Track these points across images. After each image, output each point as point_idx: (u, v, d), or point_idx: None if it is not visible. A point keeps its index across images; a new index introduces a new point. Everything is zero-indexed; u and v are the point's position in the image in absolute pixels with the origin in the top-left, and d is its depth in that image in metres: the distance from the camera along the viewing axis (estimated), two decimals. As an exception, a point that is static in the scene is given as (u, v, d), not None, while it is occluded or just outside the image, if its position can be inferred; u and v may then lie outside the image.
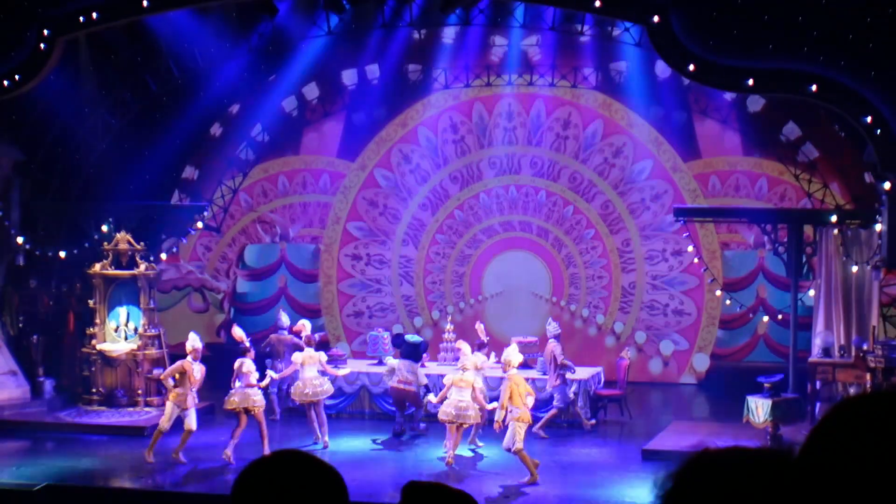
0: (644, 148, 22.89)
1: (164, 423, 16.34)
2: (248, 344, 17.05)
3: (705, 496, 2.00)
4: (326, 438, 17.44)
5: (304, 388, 17.47)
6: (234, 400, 16.56)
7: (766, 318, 22.03)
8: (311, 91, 23.38)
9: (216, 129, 23.16)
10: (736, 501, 1.98)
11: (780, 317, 21.47)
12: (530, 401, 15.63)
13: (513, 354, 15.90)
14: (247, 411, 16.51)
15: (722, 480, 2.00)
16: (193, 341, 16.65)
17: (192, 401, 16.34)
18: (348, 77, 23.25)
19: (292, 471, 2.68)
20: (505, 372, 15.78)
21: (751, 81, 17.07)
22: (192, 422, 16.32)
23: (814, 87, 16.72)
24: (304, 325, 18.62)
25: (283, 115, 23.40)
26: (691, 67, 17.14)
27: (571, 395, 18.36)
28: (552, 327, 18.89)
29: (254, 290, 24.92)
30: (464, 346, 17.17)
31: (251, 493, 2.65)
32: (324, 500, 2.67)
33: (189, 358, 16.41)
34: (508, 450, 15.19)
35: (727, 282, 22.48)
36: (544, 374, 18.92)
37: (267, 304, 24.51)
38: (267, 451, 15.91)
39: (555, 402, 18.16)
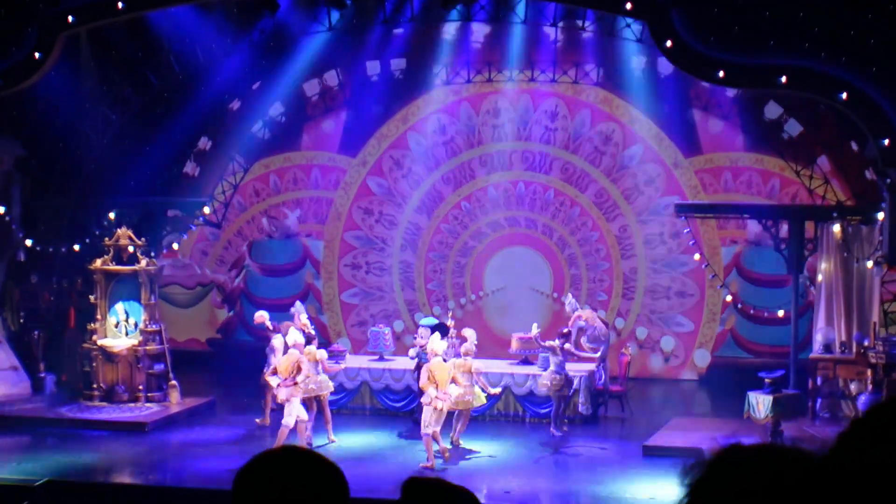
0: (647, 145, 22.89)
1: (303, 414, 16.59)
2: (312, 332, 17.68)
3: (735, 492, 2.00)
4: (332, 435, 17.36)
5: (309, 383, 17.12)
6: (311, 388, 16.94)
7: (780, 313, 21.99)
8: (312, 87, 23.37)
9: (217, 125, 23.16)
10: (766, 499, 1.99)
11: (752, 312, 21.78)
12: (453, 389, 16.20)
13: (436, 343, 16.60)
14: (317, 397, 17.16)
15: (753, 477, 2.01)
16: (296, 336, 17.04)
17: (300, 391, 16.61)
18: (349, 73, 23.24)
19: (292, 466, 2.67)
20: (429, 360, 16.54)
21: (721, 73, 17.09)
22: (291, 418, 16.42)
23: (784, 79, 16.77)
24: (263, 317, 18.64)
25: (284, 110, 23.40)
26: (668, 43, 17.12)
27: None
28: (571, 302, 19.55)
29: (271, 286, 24.74)
30: (469, 334, 17.59)
31: (252, 490, 2.65)
32: (324, 495, 2.67)
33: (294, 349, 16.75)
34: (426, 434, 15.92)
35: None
36: (544, 369, 18.92)
37: (292, 302, 24.46)
38: (332, 435, 17.09)
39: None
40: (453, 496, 3.12)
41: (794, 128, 20.94)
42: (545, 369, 18.91)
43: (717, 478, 2.04)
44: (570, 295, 20.08)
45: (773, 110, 21.00)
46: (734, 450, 2.07)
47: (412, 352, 18.63)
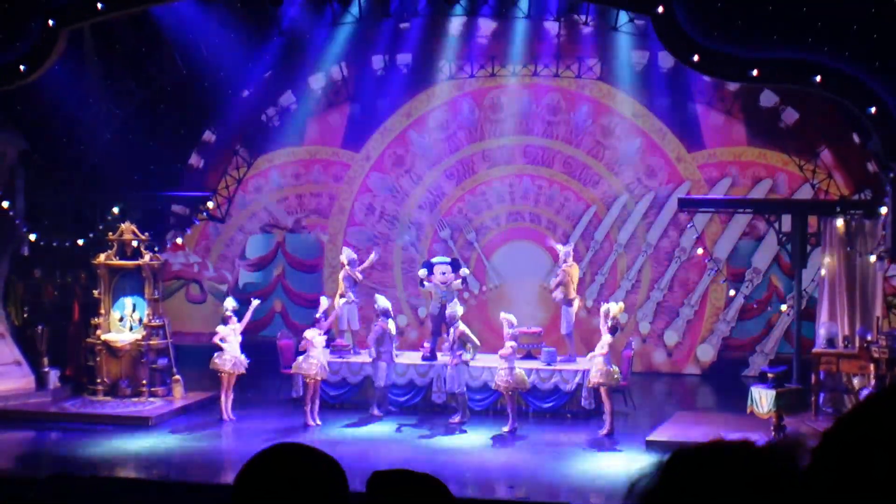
0: (648, 138, 22.91)
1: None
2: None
3: (689, 498, 1.92)
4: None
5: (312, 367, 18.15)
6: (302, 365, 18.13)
7: (784, 308, 21.95)
8: (317, 82, 23.37)
9: (219, 121, 23.17)
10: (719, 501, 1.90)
11: (783, 308, 21.63)
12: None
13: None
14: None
15: (706, 481, 1.92)
16: (383, 302, 18.80)
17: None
18: (354, 68, 23.25)
19: (293, 462, 2.70)
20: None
21: (755, 72, 17.07)
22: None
23: (818, 78, 16.73)
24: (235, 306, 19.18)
25: (288, 105, 23.41)
26: (696, 58, 17.14)
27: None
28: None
29: (255, 280, 24.90)
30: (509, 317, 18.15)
31: (253, 485, 2.67)
32: (324, 490, 2.69)
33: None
34: None
35: (736, 272, 22.64)
36: (548, 364, 18.94)
37: (263, 294, 24.54)
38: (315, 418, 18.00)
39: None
40: (419, 484, 3.13)
41: (795, 122, 20.95)
42: (549, 364, 18.95)
43: (669, 486, 1.94)
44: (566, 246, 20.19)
45: (774, 104, 21.00)
46: (681, 455, 1.98)
47: (429, 286, 19.61)
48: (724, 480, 1.91)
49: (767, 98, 21.12)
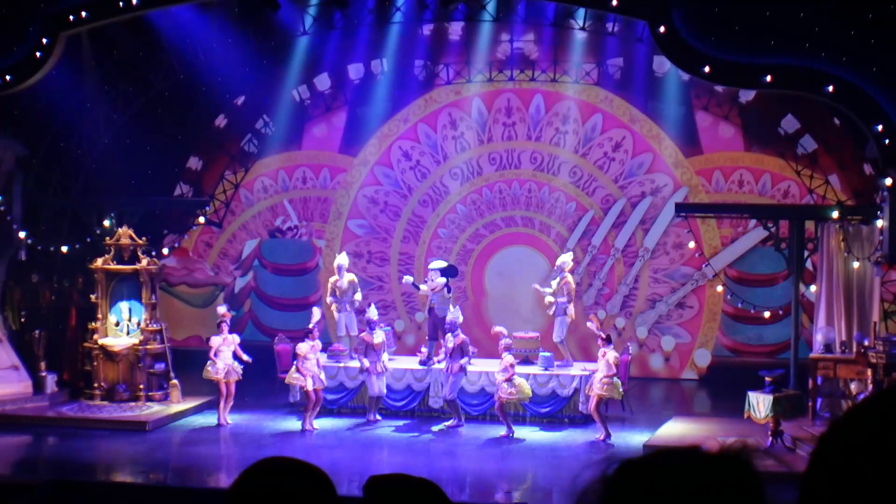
0: (645, 143, 22.92)
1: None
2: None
3: None
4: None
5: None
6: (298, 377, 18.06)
7: (767, 314, 22.02)
8: (315, 86, 23.39)
9: (219, 124, 23.18)
10: None
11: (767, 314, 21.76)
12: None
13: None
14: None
15: (649, 494, 1.87)
16: (372, 313, 18.73)
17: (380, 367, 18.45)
18: (351, 72, 23.28)
19: (281, 477, 2.72)
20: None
21: (769, 78, 17.12)
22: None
23: (830, 88, 16.76)
24: (225, 313, 19.11)
25: (286, 110, 23.41)
26: (707, 70, 17.19)
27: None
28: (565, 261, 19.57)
29: (282, 286, 24.81)
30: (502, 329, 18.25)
31: (245, 499, 2.69)
32: (314, 502, 2.71)
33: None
34: None
35: (743, 276, 22.76)
36: (546, 369, 18.92)
37: (305, 303, 24.26)
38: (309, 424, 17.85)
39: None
40: (415, 489, 3.14)
41: (794, 127, 20.98)
42: (546, 369, 18.94)
43: (615, 499, 1.90)
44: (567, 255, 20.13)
45: (773, 110, 21.03)
46: (627, 466, 1.92)
47: (424, 287, 19.44)
48: (671, 491, 1.87)
49: (765, 102, 21.14)
